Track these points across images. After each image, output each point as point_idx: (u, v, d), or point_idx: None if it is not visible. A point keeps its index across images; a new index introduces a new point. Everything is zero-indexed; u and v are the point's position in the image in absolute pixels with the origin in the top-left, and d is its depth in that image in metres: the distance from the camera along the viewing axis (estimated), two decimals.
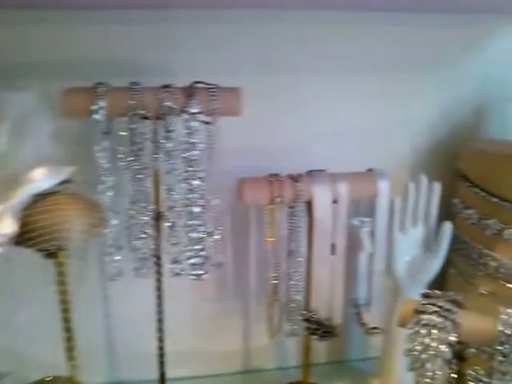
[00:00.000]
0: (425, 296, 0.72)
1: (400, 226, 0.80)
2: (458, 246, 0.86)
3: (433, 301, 0.70)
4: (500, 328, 0.66)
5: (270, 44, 0.80)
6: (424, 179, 0.79)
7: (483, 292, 0.82)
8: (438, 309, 0.69)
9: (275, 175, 0.74)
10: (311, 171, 0.76)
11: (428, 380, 0.70)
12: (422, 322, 0.69)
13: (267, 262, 0.77)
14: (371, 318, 0.81)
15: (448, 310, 0.69)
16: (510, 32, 0.89)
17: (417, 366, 0.71)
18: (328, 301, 0.79)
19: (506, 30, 0.88)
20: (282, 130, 0.84)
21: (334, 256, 0.77)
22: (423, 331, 0.69)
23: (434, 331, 0.68)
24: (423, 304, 0.70)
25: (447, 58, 0.87)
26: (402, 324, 0.72)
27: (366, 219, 0.79)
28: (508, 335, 0.66)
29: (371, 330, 0.81)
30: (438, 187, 0.80)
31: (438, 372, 0.69)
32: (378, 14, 0.81)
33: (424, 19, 0.83)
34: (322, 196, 0.74)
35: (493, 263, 0.80)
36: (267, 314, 0.79)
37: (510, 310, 0.68)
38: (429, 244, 0.83)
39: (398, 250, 0.80)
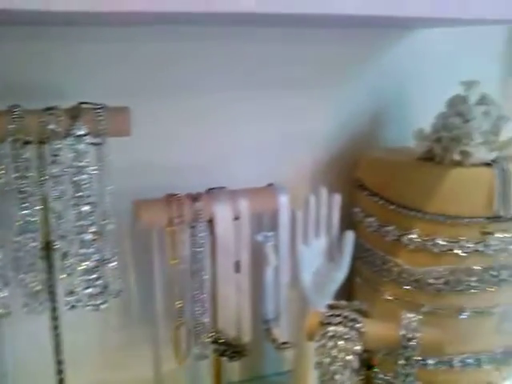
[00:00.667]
0: (330, 307, 0.72)
1: (303, 238, 0.80)
2: (362, 254, 0.88)
3: (338, 311, 0.71)
4: (402, 332, 0.68)
5: (164, 62, 0.78)
6: (324, 191, 0.80)
7: (388, 298, 0.84)
8: (342, 319, 0.70)
9: (173, 195, 0.72)
10: (211, 189, 0.75)
11: None
12: (329, 333, 0.69)
13: (171, 285, 0.75)
14: (280, 332, 0.81)
15: (353, 319, 0.69)
16: (400, 43, 0.93)
17: (327, 378, 0.72)
18: (236, 320, 0.77)
19: (395, 42, 0.92)
20: (180, 148, 0.82)
21: (239, 274, 0.76)
22: (330, 343, 0.69)
23: (341, 342, 0.69)
24: (329, 315, 0.71)
25: (341, 71, 0.89)
26: (310, 337, 0.71)
27: (270, 234, 0.78)
28: (409, 339, 0.67)
29: (282, 345, 0.80)
30: (338, 198, 0.82)
31: (347, 382, 0.70)
32: (272, 29, 0.81)
33: (318, 35, 0.84)
34: (222, 214, 0.73)
35: (395, 269, 0.82)
36: (173, 338, 0.76)
37: (410, 315, 0.70)
38: (333, 254, 0.84)
39: (302, 262, 0.81)
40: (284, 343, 0.80)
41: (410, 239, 0.79)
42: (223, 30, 0.79)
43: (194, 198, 0.72)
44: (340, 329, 0.69)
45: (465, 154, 0.74)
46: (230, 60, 0.82)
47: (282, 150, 0.87)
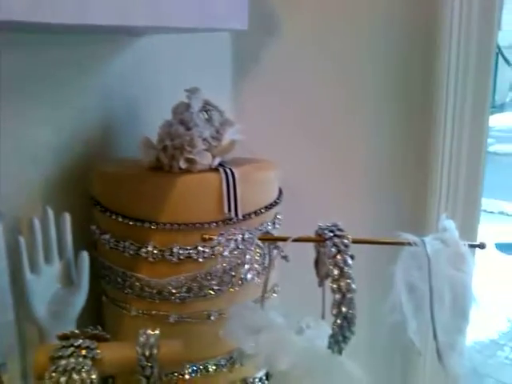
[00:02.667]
0: (60, 338, 0.66)
1: (32, 266, 0.73)
2: (104, 272, 0.84)
3: (70, 341, 0.65)
4: (139, 352, 0.65)
5: None
6: (49, 211, 0.74)
7: (135, 314, 0.81)
8: (75, 349, 0.64)
9: None
10: None
11: None
12: (59, 368, 0.63)
13: None
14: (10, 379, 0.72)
15: (86, 347, 0.65)
16: (126, 50, 0.90)
17: None
18: None
19: (122, 49, 0.89)
20: None
21: None
22: (63, 378, 0.64)
23: (75, 375, 0.63)
24: (58, 348, 0.65)
25: (66, 79, 0.83)
26: (39, 376, 0.65)
27: None
28: (147, 357, 0.65)
29: None
30: (67, 217, 0.76)
31: None
32: None
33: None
34: None
35: (137, 283, 0.80)
36: None
37: (149, 331, 0.67)
38: (70, 278, 0.78)
39: (32, 292, 0.73)
40: None
41: (148, 252, 0.77)
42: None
43: None
44: (72, 360, 0.64)
45: (190, 161, 0.74)
46: None
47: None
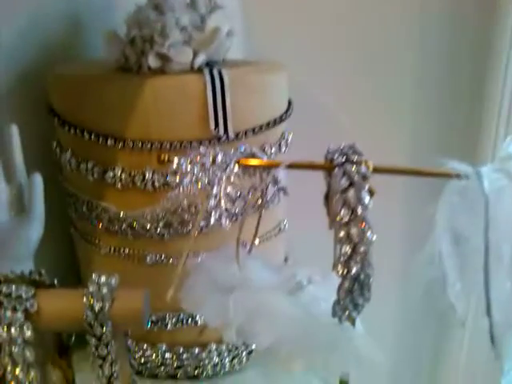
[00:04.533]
0: None
1: None
2: (69, 200, 0.68)
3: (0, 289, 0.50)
4: (86, 304, 0.50)
5: None
6: None
7: (106, 252, 0.66)
8: (3, 299, 0.49)
9: None
10: None
11: None
12: None
13: None
14: None
15: (18, 297, 0.50)
16: None
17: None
18: None
19: None
20: None
21: None
22: None
23: (2, 331, 0.49)
24: None
25: None
26: None
27: None
28: (97, 312, 0.50)
29: None
30: (14, 130, 0.60)
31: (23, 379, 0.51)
32: None
33: None
34: None
35: (105, 215, 0.64)
36: None
37: (103, 278, 0.52)
38: (22, 206, 0.62)
39: None
40: None
41: (115, 176, 0.60)
42: None
43: None
44: None
45: (162, 57, 0.56)
46: None
47: None
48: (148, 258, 0.64)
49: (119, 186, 0.61)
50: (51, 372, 0.56)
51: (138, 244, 0.64)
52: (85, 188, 0.64)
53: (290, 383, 0.72)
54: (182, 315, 0.68)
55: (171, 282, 0.65)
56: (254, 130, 0.60)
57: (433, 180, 0.43)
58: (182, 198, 0.55)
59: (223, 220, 0.38)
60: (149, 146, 0.58)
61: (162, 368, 0.71)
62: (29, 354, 0.49)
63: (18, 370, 0.49)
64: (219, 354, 0.71)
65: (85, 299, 0.50)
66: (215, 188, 0.38)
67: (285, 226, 0.72)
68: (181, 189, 0.41)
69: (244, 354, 0.73)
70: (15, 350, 0.49)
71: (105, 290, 0.50)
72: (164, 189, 0.60)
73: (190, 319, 0.68)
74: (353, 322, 0.45)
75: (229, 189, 0.39)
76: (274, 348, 0.41)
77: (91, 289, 0.51)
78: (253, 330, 0.40)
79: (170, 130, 0.58)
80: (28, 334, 0.49)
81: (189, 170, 0.41)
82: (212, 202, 0.38)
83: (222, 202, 0.38)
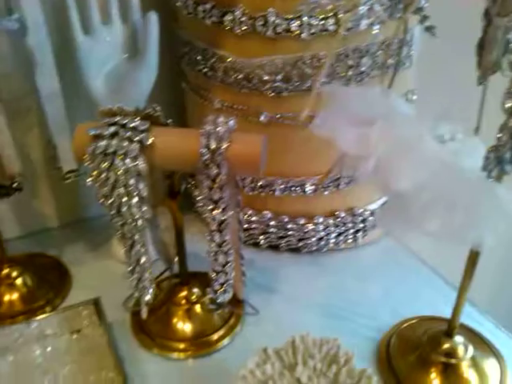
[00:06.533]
0: (104, 113, 0.49)
1: (84, 27, 0.55)
2: (183, 50, 0.65)
3: (115, 120, 0.49)
4: (203, 143, 0.47)
5: None
6: None
7: (218, 107, 0.63)
8: (119, 129, 0.48)
9: None
10: None
11: (131, 228, 0.51)
12: (98, 150, 0.47)
13: None
14: (64, 159, 0.58)
15: (133, 128, 0.48)
16: None
17: (113, 212, 0.51)
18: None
19: None
20: None
21: None
22: (104, 164, 0.48)
23: (118, 161, 0.47)
24: (100, 126, 0.48)
25: None
26: (78, 157, 0.50)
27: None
28: (213, 151, 0.47)
29: (67, 175, 0.59)
30: None
31: (138, 215, 0.50)
32: None
33: None
34: None
35: (221, 65, 0.60)
36: None
37: (219, 118, 0.48)
38: (134, 48, 0.59)
39: (86, 59, 0.56)
40: (71, 171, 0.58)
41: (234, 20, 0.56)
42: None
43: None
44: (114, 142, 0.47)
45: None
46: None
47: None
48: (262, 116, 0.60)
49: (238, 31, 0.56)
50: (160, 215, 0.55)
51: (253, 100, 0.60)
52: (201, 35, 0.60)
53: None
54: (291, 182, 0.64)
55: (286, 145, 0.62)
56: None
57: None
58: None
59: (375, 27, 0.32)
60: None
61: (265, 237, 0.70)
62: (142, 188, 0.48)
63: (133, 202, 0.48)
64: (325, 228, 0.68)
65: (202, 137, 0.47)
66: None
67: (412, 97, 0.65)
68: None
69: (351, 232, 0.69)
70: (131, 181, 0.48)
71: (223, 130, 0.47)
72: (285, 36, 0.55)
73: (298, 187, 0.65)
74: (499, 178, 0.39)
75: None
76: (411, 194, 0.36)
77: (208, 128, 0.48)
78: (393, 168, 0.35)
79: None
80: (141, 165, 0.47)
81: None
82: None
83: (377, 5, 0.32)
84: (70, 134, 0.58)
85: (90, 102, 0.59)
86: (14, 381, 0.51)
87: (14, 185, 0.56)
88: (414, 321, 0.59)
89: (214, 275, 0.54)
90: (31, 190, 0.71)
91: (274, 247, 0.71)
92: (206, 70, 0.61)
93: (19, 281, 0.65)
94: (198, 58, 0.61)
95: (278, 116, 0.60)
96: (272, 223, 0.68)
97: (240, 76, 0.58)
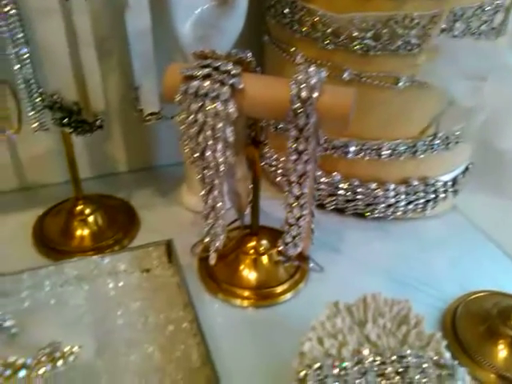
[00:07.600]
0: (197, 56, 0.50)
1: None
2: (270, 1, 0.64)
3: (208, 62, 0.49)
4: (294, 91, 0.47)
5: None
6: None
7: (301, 62, 0.62)
8: (212, 71, 0.48)
9: None
10: None
11: (212, 172, 0.52)
12: (190, 90, 0.48)
13: None
14: (147, 101, 0.59)
15: (225, 71, 0.48)
16: None
17: (196, 157, 0.52)
18: (77, 79, 0.55)
19: None
20: None
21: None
22: (194, 105, 0.48)
23: (208, 102, 0.48)
24: (193, 67, 0.49)
25: None
26: (169, 97, 0.50)
27: None
28: (304, 100, 0.46)
29: (148, 117, 0.59)
30: None
31: (219, 161, 0.50)
32: None
33: None
34: None
35: (308, 18, 0.59)
36: None
37: (311, 68, 0.48)
38: None
39: (176, 5, 0.56)
40: (151, 114, 0.59)
41: None
42: None
43: None
44: (206, 84, 0.48)
45: None
46: None
47: None
48: (346, 74, 0.60)
49: None
50: (242, 162, 0.56)
51: (338, 56, 0.59)
52: None
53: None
54: (366, 145, 0.64)
55: (366, 106, 0.61)
56: None
57: None
58: None
59: None
60: None
61: (332, 199, 0.70)
62: (229, 132, 0.49)
63: (218, 147, 0.49)
64: (396, 195, 0.67)
65: (293, 86, 0.47)
66: None
67: None
68: None
69: (421, 201, 0.68)
70: (219, 125, 0.48)
71: (314, 80, 0.47)
72: None
73: (374, 151, 0.64)
74: None
75: None
76: None
77: (300, 77, 0.48)
78: (500, 125, 0.34)
79: None
80: (232, 109, 0.48)
81: None
82: None
83: None
84: (155, 75, 0.59)
85: (174, 47, 0.59)
86: (89, 308, 0.53)
87: (97, 122, 0.58)
88: (481, 294, 0.59)
89: (287, 227, 0.54)
90: (105, 132, 0.72)
91: (340, 210, 0.70)
92: (292, 23, 0.61)
93: (91, 218, 0.67)
94: (286, 10, 0.61)
95: (364, 75, 0.59)
96: (341, 185, 0.68)
97: (328, 30, 0.57)
